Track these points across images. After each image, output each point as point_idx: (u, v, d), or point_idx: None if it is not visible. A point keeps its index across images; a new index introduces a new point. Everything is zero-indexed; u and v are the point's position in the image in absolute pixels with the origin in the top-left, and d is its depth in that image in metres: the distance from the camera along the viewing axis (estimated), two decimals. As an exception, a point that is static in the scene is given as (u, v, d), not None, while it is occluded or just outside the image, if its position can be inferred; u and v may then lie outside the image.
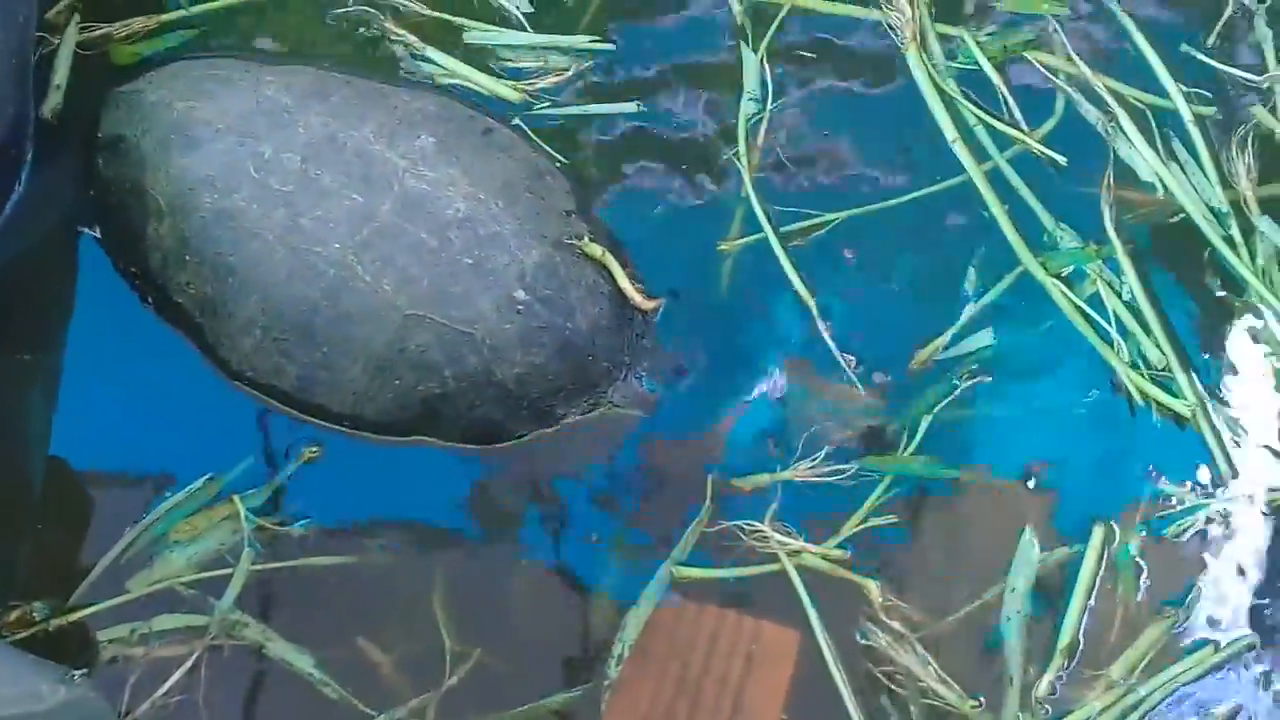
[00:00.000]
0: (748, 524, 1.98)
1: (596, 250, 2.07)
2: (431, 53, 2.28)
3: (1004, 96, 2.30)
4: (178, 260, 2.03)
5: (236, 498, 1.96)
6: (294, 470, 2.00)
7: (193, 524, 1.95)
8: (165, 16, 2.29)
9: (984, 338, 2.12)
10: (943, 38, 2.35)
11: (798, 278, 2.15)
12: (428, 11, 2.32)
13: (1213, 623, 1.97)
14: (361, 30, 2.31)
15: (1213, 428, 2.07)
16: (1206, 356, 2.13)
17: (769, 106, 2.29)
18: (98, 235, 2.13)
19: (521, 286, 1.99)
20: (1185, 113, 2.29)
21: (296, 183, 2.00)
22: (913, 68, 2.31)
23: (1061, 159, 2.24)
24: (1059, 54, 2.35)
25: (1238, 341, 2.15)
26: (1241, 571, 2.01)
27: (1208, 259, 2.20)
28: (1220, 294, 2.18)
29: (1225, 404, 2.10)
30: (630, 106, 2.28)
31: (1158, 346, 2.11)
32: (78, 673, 1.78)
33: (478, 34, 2.32)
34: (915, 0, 2.34)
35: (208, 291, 2.01)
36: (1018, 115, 2.28)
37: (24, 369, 2.09)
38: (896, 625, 1.93)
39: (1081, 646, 1.94)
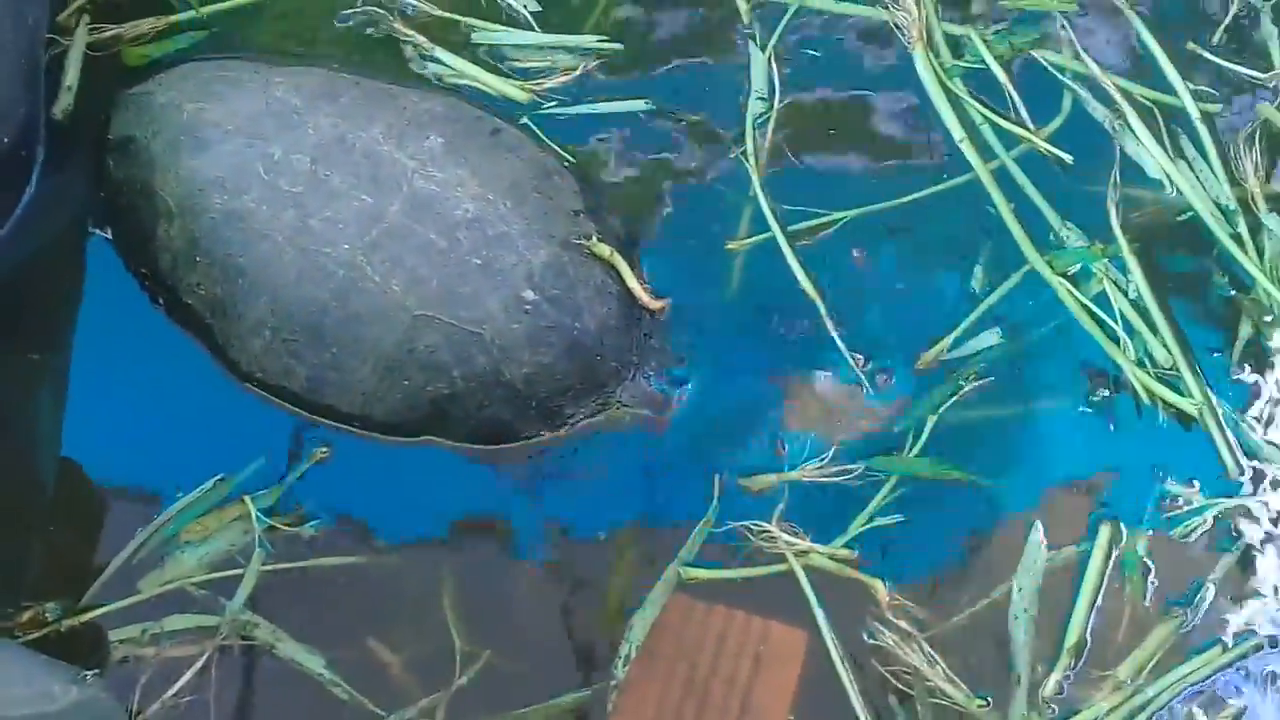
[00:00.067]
0: (755, 524, 1.98)
1: (604, 250, 2.07)
2: (440, 53, 2.29)
3: (1010, 95, 2.30)
4: (187, 261, 2.03)
5: (247, 498, 1.97)
6: (304, 471, 2.01)
7: (204, 524, 1.96)
8: (175, 18, 2.30)
9: (990, 337, 2.12)
10: (949, 36, 2.35)
11: (806, 277, 2.15)
12: (436, 12, 2.33)
13: (1221, 623, 1.97)
14: (370, 31, 2.32)
15: (1220, 426, 2.07)
16: (1214, 355, 2.13)
17: (776, 105, 2.29)
18: (108, 236, 2.14)
19: (530, 286, 1.99)
20: (1192, 110, 2.29)
21: (306, 184, 2.01)
22: (919, 67, 2.31)
23: (1068, 157, 2.24)
24: (1067, 52, 2.35)
25: (1245, 340, 2.15)
26: (1250, 570, 2.01)
27: (1215, 257, 2.20)
28: (1227, 292, 2.18)
29: (1232, 402, 2.10)
30: (638, 105, 2.28)
31: (1164, 345, 2.11)
32: (89, 673, 1.80)
33: (485, 34, 2.32)
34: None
35: (217, 292, 2.02)
36: (1024, 114, 2.29)
37: (35, 369, 2.09)
38: (904, 625, 1.93)
39: (1089, 646, 1.94)
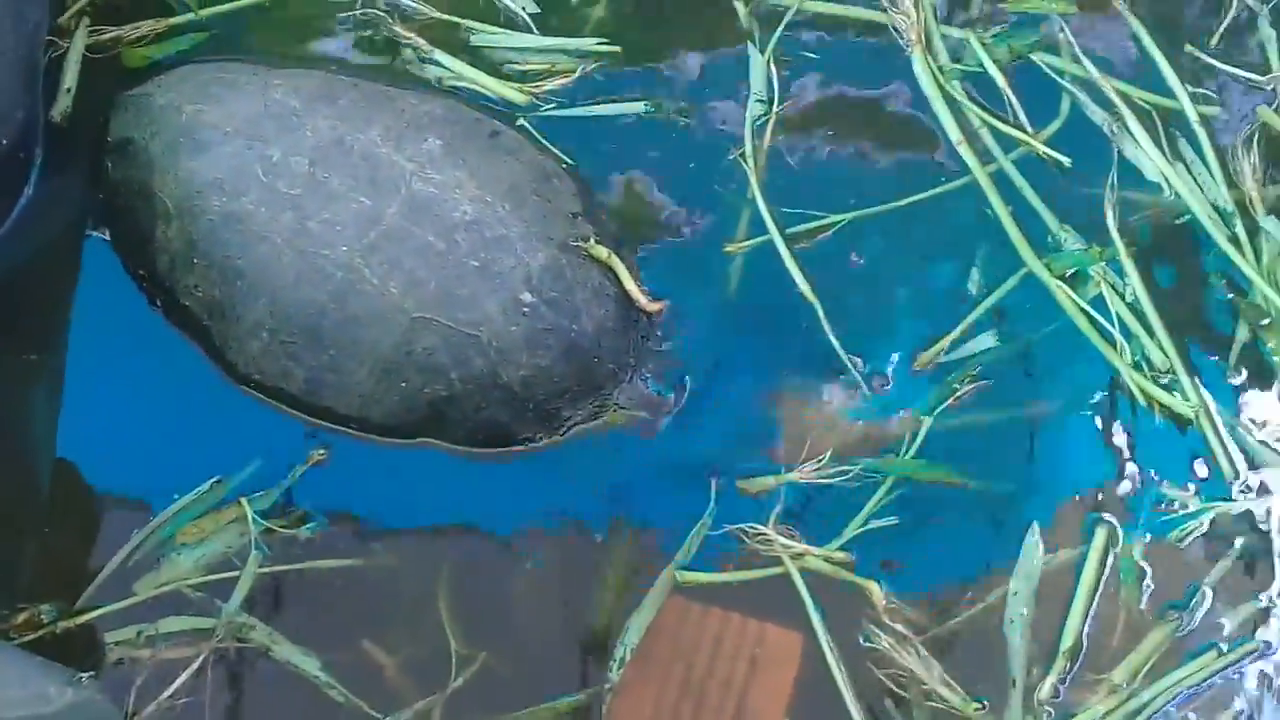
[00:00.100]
0: (751, 527, 1.98)
1: (602, 252, 2.07)
2: (438, 55, 2.29)
3: (1009, 98, 2.29)
4: (185, 263, 2.03)
5: (244, 500, 1.97)
6: (301, 473, 2.01)
7: (200, 526, 1.96)
8: (174, 20, 2.30)
9: (988, 340, 2.12)
10: (948, 39, 2.35)
11: (803, 279, 2.15)
12: (435, 14, 2.33)
13: (1217, 626, 1.97)
14: (369, 33, 2.32)
15: (1216, 430, 2.07)
16: (1210, 358, 2.13)
17: (775, 108, 2.29)
18: (106, 238, 2.14)
19: (528, 289, 1.99)
20: (1191, 113, 2.29)
21: (304, 186, 2.01)
22: (918, 69, 2.31)
23: (1066, 160, 2.24)
24: (1065, 55, 2.35)
25: (1242, 343, 2.15)
26: (1246, 574, 2.01)
27: (1212, 260, 2.20)
28: (1225, 295, 2.18)
29: (1229, 406, 2.10)
30: (636, 108, 2.28)
31: (1161, 348, 2.11)
32: (85, 675, 1.79)
33: (484, 36, 2.32)
34: (920, 2, 2.34)
35: (215, 294, 2.02)
36: (1022, 116, 2.29)
37: (32, 370, 2.09)
38: (899, 628, 1.93)
39: (1085, 649, 1.95)
